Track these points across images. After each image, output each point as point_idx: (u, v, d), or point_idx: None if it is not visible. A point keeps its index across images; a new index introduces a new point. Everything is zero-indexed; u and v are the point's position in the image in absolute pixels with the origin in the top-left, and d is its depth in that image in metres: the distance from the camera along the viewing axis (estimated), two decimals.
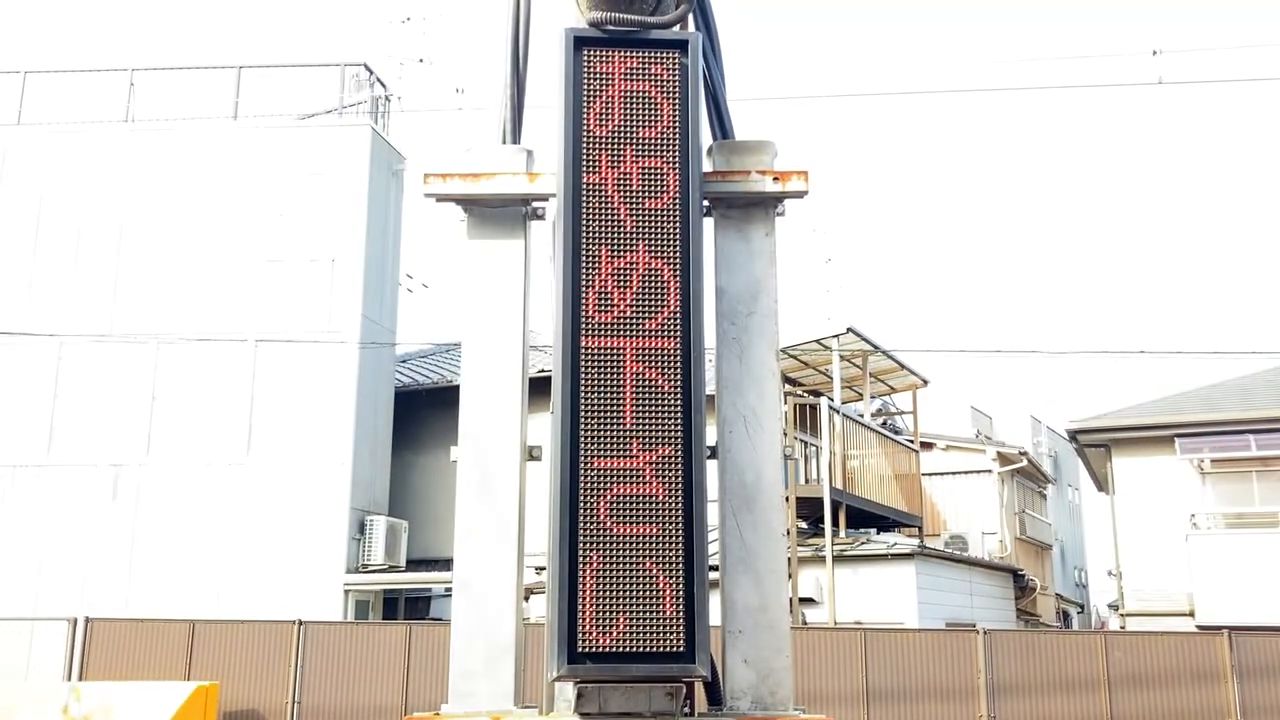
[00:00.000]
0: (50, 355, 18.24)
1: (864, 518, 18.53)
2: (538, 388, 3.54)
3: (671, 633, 2.96)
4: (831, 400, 18.25)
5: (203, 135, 18.96)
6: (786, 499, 16.18)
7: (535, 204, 3.53)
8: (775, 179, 3.42)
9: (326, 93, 19.28)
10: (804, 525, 17.37)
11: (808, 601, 16.16)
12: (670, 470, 3.05)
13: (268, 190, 18.57)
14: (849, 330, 18.80)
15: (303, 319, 18.02)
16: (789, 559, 15.84)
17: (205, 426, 17.88)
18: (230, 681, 14.50)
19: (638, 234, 3.17)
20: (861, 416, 19.96)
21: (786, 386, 18.46)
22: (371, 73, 19.54)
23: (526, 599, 13.02)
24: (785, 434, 16.84)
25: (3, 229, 18.84)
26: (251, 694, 14.64)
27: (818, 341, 19.04)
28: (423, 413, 19.23)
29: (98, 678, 14.43)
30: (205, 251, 18.43)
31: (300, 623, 15.00)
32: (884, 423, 22.84)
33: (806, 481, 17.85)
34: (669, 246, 3.17)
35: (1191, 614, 17.02)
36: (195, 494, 17.61)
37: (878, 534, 18.30)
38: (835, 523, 16.66)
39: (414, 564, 18.26)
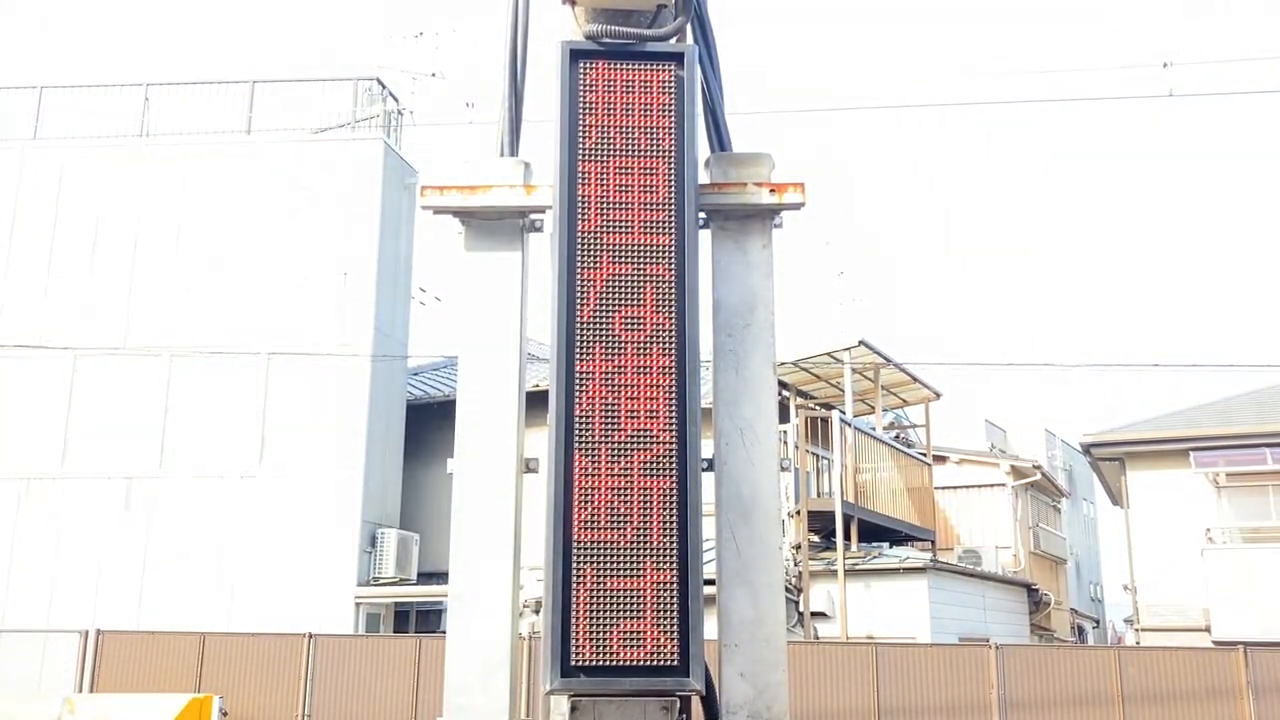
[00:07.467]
0: (64, 368, 18.34)
1: (876, 531, 18.43)
2: (536, 400, 3.53)
3: (665, 646, 2.95)
4: (843, 413, 18.18)
5: (216, 149, 19.08)
6: (799, 512, 16.15)
7: (533, 216, 3.52)
8: (772, 191, 3.41)
9: (339, 107, 19.38)
10: (815, 539, 17.28)
11: (819, 615, 16.07)
12: (665, 483, 3.04)
13: (281, 204, 18.67)
14: (861, 343, 18.75)
15: (315, 332, 18.09)
16: (801, 573, 15.73)
17: (218, 439, 17.93)
18: (240, 694, 14.50)
19: (633, 246, 3.17)
20: (874, 430, 19.88)
21: (798, 399, 18.40)
22: (384, 87, 19.63)
23: (537, 612, 12.99)
24: (797, 446, 16.79)
25: (19, 242, 18.98)
26: (262, 706, 14.64)
27: (829, 354, 19.00)
28: (434, 425, 19.23)
29: (109, 690, 14.45)
30: (218, 264, 18.52)
31: (311, 635, 15.02)
32: (896, 436, 22.73)
33: (818, 495, 17.74)
34: (664, 258, 3.16)
35: (1208, 629, 16.87)
36: (208, 506, 17.66)
37: (890, 548, 18.20)
38: (847, 536, 16.57)
39: (425, 577, 18.24)
